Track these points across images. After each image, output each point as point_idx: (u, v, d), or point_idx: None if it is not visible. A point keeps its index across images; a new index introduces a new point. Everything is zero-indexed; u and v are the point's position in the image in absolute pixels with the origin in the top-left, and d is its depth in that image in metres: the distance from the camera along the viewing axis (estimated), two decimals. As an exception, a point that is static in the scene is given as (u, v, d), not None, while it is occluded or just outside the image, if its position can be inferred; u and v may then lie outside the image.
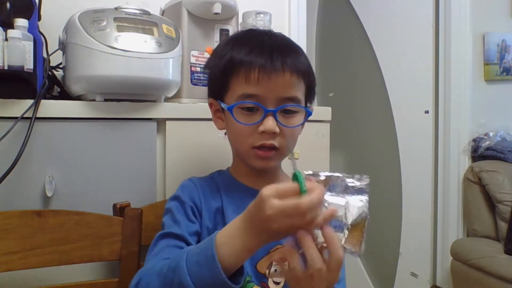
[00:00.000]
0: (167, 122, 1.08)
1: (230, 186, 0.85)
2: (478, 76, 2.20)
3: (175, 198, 0.83)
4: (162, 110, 1.07)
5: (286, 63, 0.75)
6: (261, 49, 0.76)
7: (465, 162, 2.13)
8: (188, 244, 0.74)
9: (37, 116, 0.91)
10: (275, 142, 0.76)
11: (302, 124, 0.82)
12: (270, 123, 0.75)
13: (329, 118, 1.37)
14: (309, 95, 0.84)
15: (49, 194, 0.93)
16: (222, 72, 0.79)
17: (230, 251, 0.58)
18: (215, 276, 0.57)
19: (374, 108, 2.54)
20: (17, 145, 0.88)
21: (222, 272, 0.57)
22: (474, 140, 2.13)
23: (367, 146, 2.62)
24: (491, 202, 1.95)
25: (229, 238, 0.60)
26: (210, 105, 0.87)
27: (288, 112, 0.78)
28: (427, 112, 2.22)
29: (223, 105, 0.80)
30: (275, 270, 0.78)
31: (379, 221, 2.45)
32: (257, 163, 0.79)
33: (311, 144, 1.33)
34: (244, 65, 0.75)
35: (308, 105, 0.85)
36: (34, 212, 0.86)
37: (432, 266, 2.19)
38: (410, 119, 2.30)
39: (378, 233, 2.36)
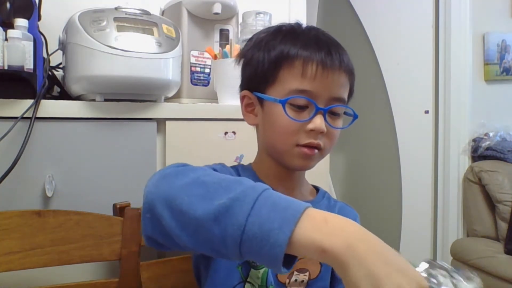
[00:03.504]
0: (167, 122, 1.08)
1: None
2: (478, 76, 2.20)
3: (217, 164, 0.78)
4: (162, 110, 1.07)
5: (343, 61, 0.73)
6: (317, 43, 0.73)
7: (465, 162, 2.13)
8: None
9: (37, 116, 0.91)
10: (321, 142, 0.74)
11: (348, 126, 0.79)
12: (319, 122, 0.71)
13: (329, 118, 1.37)
14: (350, 95, 0.81)
15: (49, 194, 0.93)
16: (272, 64, 0.74)
17: (307, 232, 0.46)
18: (279, 229, 0.45)
19: (374, 108, 2.54)
20: (17, 145, 0.88)
21: (288, 233, 0.45)
22: (474, 140, 2.13)
23: (367, 146, 2.62)
24: (491, 202, 1.95)
25: (324, 222, 0.47)
26: (242, 98, 0.80)
27: (335, 113, 0.75)
28: (427, 112, 2.22)
29: (267, 98, 0.75)
30: (295, 280, 0.77)
31: (379, 221, 2.45)
32: (299, 162, 0.75)
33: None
34: (302, 59, 0.71)
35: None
36: (34, 212, 0.86)
37: (432, 266, 2.19)
38: (410, 119, 2.30)
39: (378, 233, 2.36)
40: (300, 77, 0.71)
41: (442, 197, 2.18)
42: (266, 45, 0.76)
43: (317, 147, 0.74)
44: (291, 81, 0.72)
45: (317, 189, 0.88)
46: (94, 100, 1.00)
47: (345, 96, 0.76)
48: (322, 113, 0.72)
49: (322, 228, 0.46)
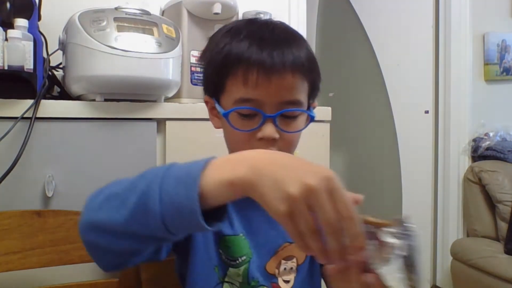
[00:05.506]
0: (167, 122, 1.08)
1: None
2: (478, 76, 2.20)
3: None
4: (162, 110, 1.07)
5: (288, 61, 0.67)
6: (260, 45, 0.67)
7: (465, 162, 2.13)
8: None
9: (37, 116, 0.91)
10: (275, 148, 0.70)
11: (303, 128, 0.74)
12: (269, 130, 0.68)
13: (329, 118, 1.37)
14: (315, 91, 0.76)
15: (49, 194, 0.93)
16: (219, 70, 0.71)
17: (214, 177, 0.47)
18: (187, 198, 0.46)
19: (374, 108, 2.54)
20: (17, 145, 0.88)
21: (196, 196, 0.46)
22: (474, 140, 2.13)
23: (367, 146, 2.62)
24: (491, 202, 1.95)
25: (226, 161, 0.49)
26: (206, 102, 0.79)
27: (289, 117, 0.70)
28: (427, 112, 2.22)
29: (218, 108, 0.73)
30: (284, 269, 0.77)
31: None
32: None
33: (311, 144, 1.33)
34: (242, 64, 0.67)
35: (311, 102, 0.78)
36: (34, 212, 0.86)
37: (432, 266, 2.19)
38: (410, 119, 2.30)
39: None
40: (242, 86, 0.68)
41: (442, 197, 2.18)
42: (217, 46, 0.72)
43: None
44: (235, 91, 0.69)
45: None
46: (94, 100, 0.99)
47: (299, 97, 0.70)
48: (272, 120, 0.68)
49: (226, 166, 0.47)
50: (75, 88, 1.01)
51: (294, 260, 0.77)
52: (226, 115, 0.71)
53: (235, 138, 0.73)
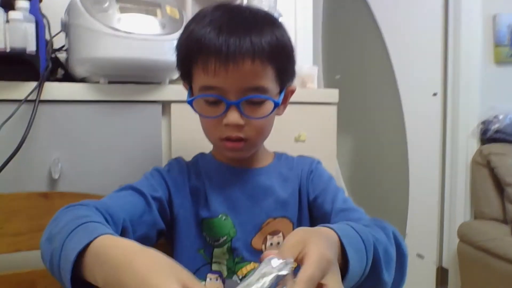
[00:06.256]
0: (172, 105, 1.08)
1: (213, 169, 0.82)
2: (488, 58, 2.15)
3: (155, 168, 0.80)
4: (167, 92, 1.06)
5: (244, 48, 0.65)
6: (220, 30, 0.66)
7: (474, 145, 2.10)
8: (148, 202, 0.71)
9: (41, 98, 0.90)
10: (242, 134, 0.71)
11: (271, 114, 0.74)
12: (233, 116, 0.69)
13: (336, 100, 1.35)
14: (284, 75, 0.74)
15: (55, 176, 0.94)
16: (184, 56, 0.73)
17: (85, 270, 0.48)
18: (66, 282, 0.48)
19: (382, 91, 2.51)
20: (22, 128, 0.88)
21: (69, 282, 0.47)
22: (483, 123, 2.10)
23: (374, 129, 2.60)
24: (499, 185, 1.94)
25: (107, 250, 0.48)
26: (185, 87, 0.80)
27: (254, 103, 0.70)
28: (435, 94, 2.19)
29: (187, 94, 0.75)
30: (271, 244, 0.78)
31: (386, 202, 2.44)
32: (229, 154, 0.76)
33: (318, 127, 1.32)
34: (202, 52, 0.67)
35: (287, 85, 0.77)
36: (41, 194, 0.86)
37: (438, 248, 2.19)
38: (418, 101, 2.27)
39: (384, 215, 2.36)
40: (203, 74, 0.69)
41: (450, 179, 2.16)
42: (184, 31, 0.73)
43: (239, 140, 0.72)
44: (198, 78, 0.71)
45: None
46: (98, 82, 0.99)
47: (262, 83, 0.69)
48: (236, 106, 0.69)
49: (93, 263, 0.47)
50: (78, 70, 1.00)
51: (280, 234, 0.78)
52: (190, 103, 0.73)
53: (205, 124, 0.76)
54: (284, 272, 0.44)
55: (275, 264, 0.44)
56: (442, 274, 2.18)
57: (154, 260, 0.44)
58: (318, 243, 0.48)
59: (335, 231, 0.53)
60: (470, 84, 2.09)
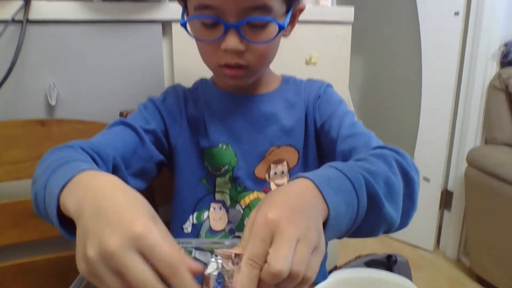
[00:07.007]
0: (173, 24, 1.01)
1: (213, 97, 0.77)
2: (517, -27, 1.97)
3: (149, 99, 0.77)
4: (167, 10, 0.99)
5: None
6: None
7: (493, 67, 2.01)
8: (140, 136, 0.69)
9: (30, 18, 0.84)
10: (241, 61, 0.64)
11: (276, 38, 0.66)
12: (231, 41, 0.61)
13: (351, 19, 1.25)
14: None
15: (52, 102, 0.90)
16: None
17: (64, 202, 0.45)
18: (52, 215, 0.46)
19: (398, 9, 2.36)
20: (11, 51, 0.83)
21: (55, 214, 0.46)
22: (505, 45, 1.98)
23: (388, 49, 2.48)
24: (515, 111, 1.88)
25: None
26: (180, 4, 0.72)
27: (256, 25, 0.62)
28: (457, 13, 2.04)
29: (181, 15, 0.68)
30: (275, 173, 0.76)
31: (395, 124, 2.41)
32: (229, 81, 0.69)
33: (330, 48, 1.25)
34: None
35: (296, 4, 0.69)
36: (38, 121, 0.84)
37: (445, 171, 2.19)
38: (438, 21, 2.12)
39: (393, 137, 2.34)
40: None
41: (464, 103, 2.10)
42: None
43: (239, 67, 0.65)
44: None
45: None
46: (91, 0, 0.91)
47: (267, 1, 0.61)
48: (235, 29, 0.61)
49: (72, 191, 0.45)
50: (69, -15, 0.91)
51: (285, 163, 0.76)
52: (183, 25, 0.65)
53: (202, 49, 0.69)
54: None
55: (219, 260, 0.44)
56: (446, 197, 2.20)
57: (136, 195, 0.42)
58: (263, 210, 0.41)
59: (309, 179, 0.46)
60: (495, 2, 1.94)
